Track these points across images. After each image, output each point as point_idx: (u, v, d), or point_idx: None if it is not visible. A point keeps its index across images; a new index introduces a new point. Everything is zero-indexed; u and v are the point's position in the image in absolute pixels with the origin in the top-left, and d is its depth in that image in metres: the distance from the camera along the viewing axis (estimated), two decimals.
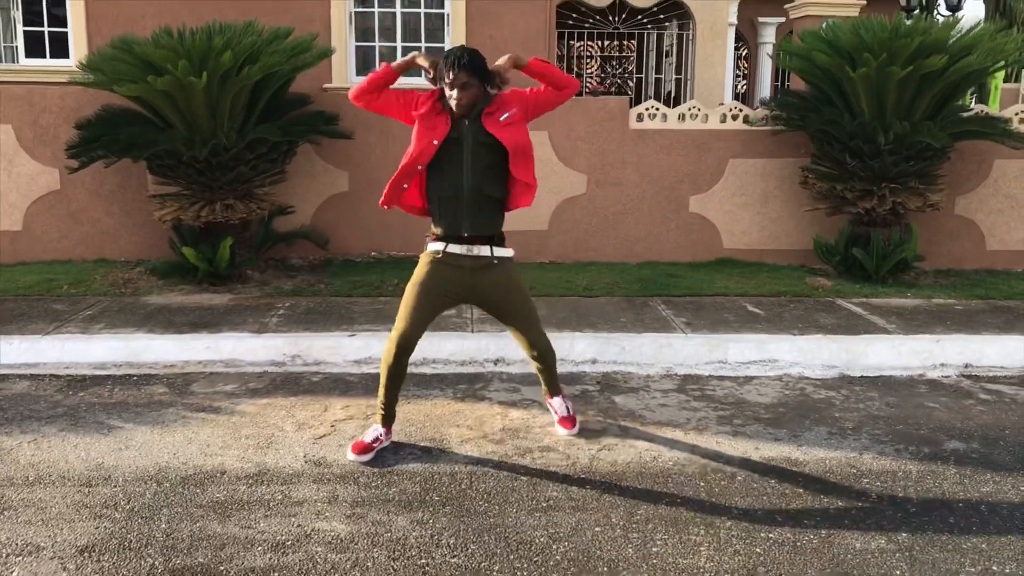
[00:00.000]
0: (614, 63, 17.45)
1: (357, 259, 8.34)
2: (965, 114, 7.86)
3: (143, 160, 7.27)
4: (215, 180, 7.12)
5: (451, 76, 4.06)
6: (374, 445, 4.46)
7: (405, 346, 4.32)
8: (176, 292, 7.23)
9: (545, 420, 4.99)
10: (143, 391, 5.43)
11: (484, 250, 4.33)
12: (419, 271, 4.37)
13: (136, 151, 6.90)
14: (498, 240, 4.41)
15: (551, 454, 4.56)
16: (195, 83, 6.52)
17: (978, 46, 7.14)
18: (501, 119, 4.16)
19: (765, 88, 15.45)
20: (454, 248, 4.30)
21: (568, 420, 4.81)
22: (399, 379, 4.44)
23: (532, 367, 4.80)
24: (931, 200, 7.72)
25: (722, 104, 9.56)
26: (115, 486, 4.13)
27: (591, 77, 18.38)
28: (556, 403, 4.88)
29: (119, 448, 4.55)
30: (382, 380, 4.42)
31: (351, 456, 4.40)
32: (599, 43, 17.28)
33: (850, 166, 7.63)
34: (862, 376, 5.90)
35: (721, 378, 5.84)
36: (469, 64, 4.08)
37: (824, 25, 7.84)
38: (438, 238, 4.35)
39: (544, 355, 4.66)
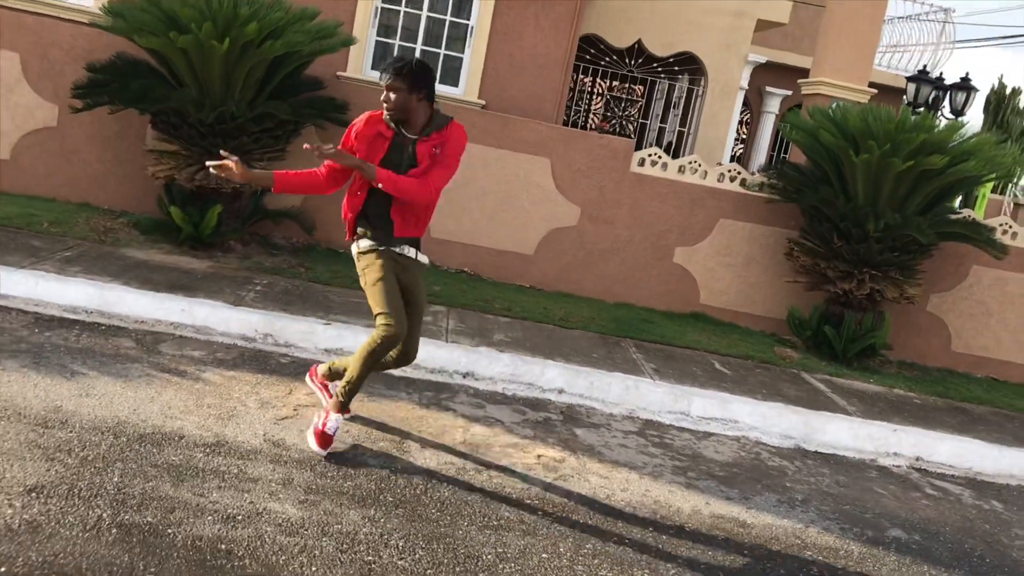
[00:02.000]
0: (621, 104, 17.64)
1: (340, 250, 8.33)
2: (953, 216, 8.05)
3: (148, 114, 7.23)
4: (216, 145, 7.08)
5: (383, 80, 4.19)
6: (334, 437, 4.45)
7: (401, 333, 4.30)
8: (156, 250, 7.17)
9: (506, 441, 5.02)
10: (111, 342, 5.38)
11: (410, 251, 4.46)
12: (373, 265, 4.37)
13: (145, 103, 6.86)
14: (419, 245, 4.55)
15: (508, 475, 4.58)
16: (216, 47, 6.51)
17: (977, 153, 7.33)
18: (435, 150, 4.30)
19: (762, 154, 15.71)
20: (391, 247, 4.42)
21: (324, 437, 4.40)
22: (376, 370, 4.51)
23: (382, 362, 4.57)
24: (908, 293, 7.88)
25: (721, 163, 9.72)
26: (71, 431, 4.10)
27: (595, 114, 18.56)
28: (332, 409, 4.49)
29: (79, 395, 4.51)
30: (362, 370, 4.37)
31: (316, 448, 4.36)
32: (608, 82, 17.44)
33: (836, 246, 7.78)
34: (817, 452, 6.00)
35: (681, 429, 5.91)
36: (400, 69, 4.16)
37: (834, 106, 8.02)
38: (369, 237, 4.42)
39: (407, 357, 4.60)
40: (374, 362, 4.35)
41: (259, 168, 7.42)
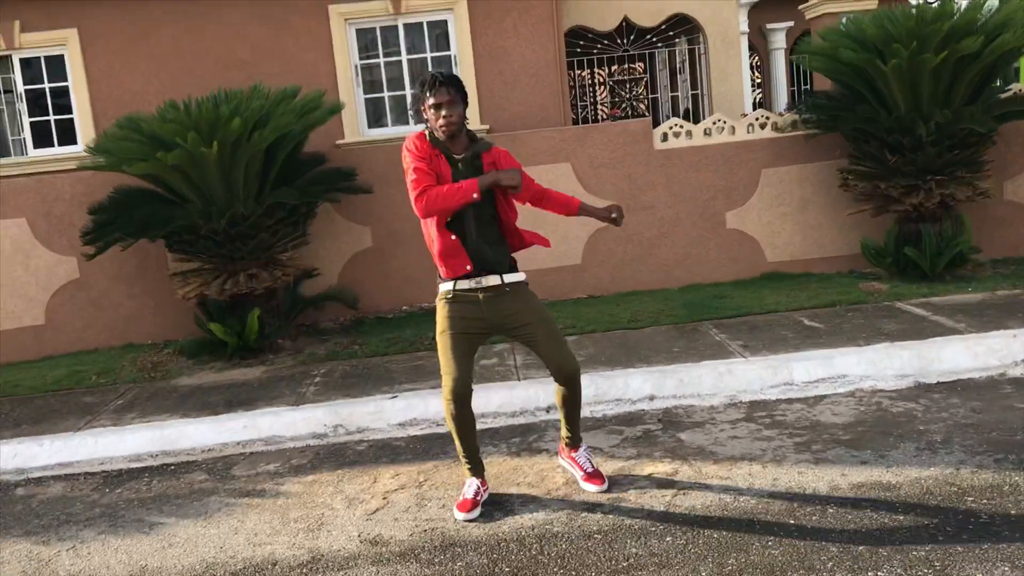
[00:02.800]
0: (626, 87, 17.22)
1: (389, 315, 8.07)
2: (1004, 95, 7.50)
3: (160, 239, 7.06)
4: (236, 251, 6.89)
5: (435, 96, 3.90)
6: (478, 499, 4.25)
7: (462, 394, 4.06)
8: (207, 370, 6.98)
9: (611, 468, 4.65)
10: (183, 480, 5.15)
11: (493, 279, 4.12)
12: (440, 318, 4.16)
13: (152, 230, 6.69)
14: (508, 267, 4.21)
15: (623, 506, 4.21)
16: (206, 154, 6.31)
17: (1010, 24, 6.80)
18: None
19: (781, 95, 15.15)
20: (463, 284, 4.10)
21: (596, 476, 4.40)
22: (470, 428, 4.22)
23: (556, 399, 4.36)
24: (980, 188, 7.34)
25: (745, 114, 9.26)
26: None
27: (603, 105, 18.16)
28: (580, 458, 4.47)
29: (163, 547, 4.26)
30: (454, 436, 4.23)
31: (459, 516, 4.17)
32: (605, 69, 17.05)
33: (891, 163, 7.28)
34: (939, 383, 5.51)
35: (790, 401, 5.47)
36: (452, 78, 3.94)
37: (844, 20, 7.54)
38: (446, 279, 4.14)
39: (573, 378, 4.22)
40: (454, 423, 4.13)
41: (286, 257, 7.22)
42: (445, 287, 4.14)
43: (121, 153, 6.42)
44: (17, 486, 5.31)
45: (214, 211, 6.67)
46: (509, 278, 4.15)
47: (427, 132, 4.03)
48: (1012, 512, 3.75)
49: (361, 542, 4.10)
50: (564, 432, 4.48)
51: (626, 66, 17.31)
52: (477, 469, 4.32)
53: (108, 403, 6.35)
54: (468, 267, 4.05)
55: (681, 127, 8.06)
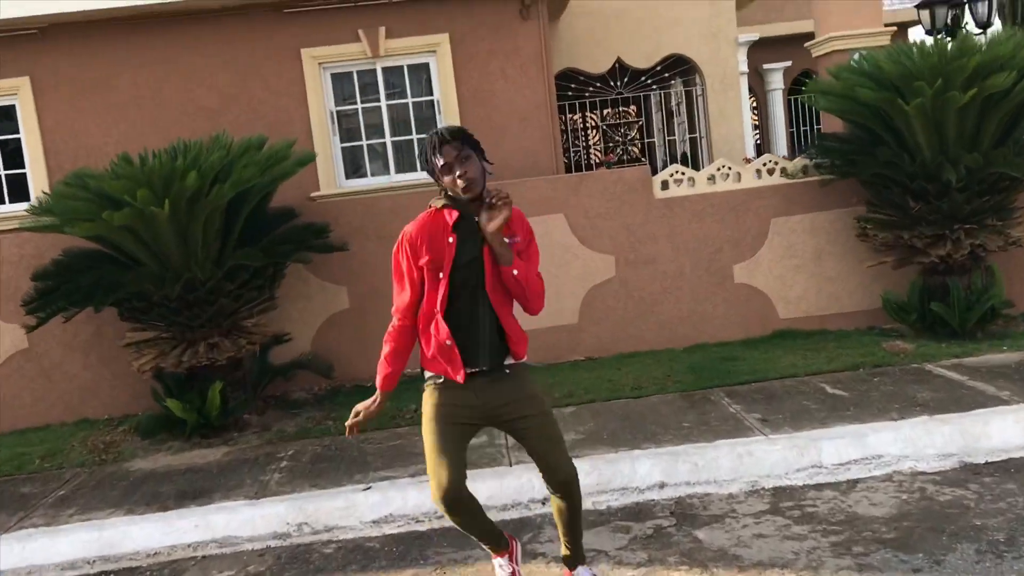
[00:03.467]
0: (619, 131, 16.68)
1: (367, 383, 7.35)
2: None
3: (110, 307, 6.37)
4: (194, 318, 6.21)
5: (443, 155, 3.23)
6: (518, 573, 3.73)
7: (455, 497, 3.37)
8: (164, 452, 6.26)
9: None
10: None
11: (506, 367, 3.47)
12: (428, 406, 3.49)
13: (99, 297, 5.99)
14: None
15: None
16: (158, 213, 5.66)
17: None
18: (509, 240, 3.38)
19: (780, 137, 14.64)
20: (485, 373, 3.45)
21: None
22: (475, 515, 3.53)
23: (552, 508, 3.68)
24: (1012, 237, 6.73)
25: (748, 158, 8.68)
26: None
27: (595, 149, 17.61)
28: None
29: None
30: (469, 531, 3.60)
31: None
32: (598, 113, 16.53)
33: (915, 210, 6.67)
34: (988, 463, 4.84)
35: (819, 487, 4.78)
36: (458, 132, 3.29)
37: (857, 57, 6.97)
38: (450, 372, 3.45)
39: (571, 486, 3.54)
40: (454, 519, 3.48)
41: (252, 323, 6.55)
42: (429, 375, 3.50)
43: (65, 213, 5.77)
44: None
45: (168, 276, 6.00)
46: (510, 360, 3.49)
47: (442, 197, 3.36)
48: None
49: None
50: (564, 549, 3.78)
51: (619, 109, 16.80)
52: (499, 545, 3.68)
53: (48, 494, 5.62)
54: (460, 377, 3.39)
55: (683, 174, 7.45)
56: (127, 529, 4.93)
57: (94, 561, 4.84)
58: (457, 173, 3.22)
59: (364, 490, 5.03)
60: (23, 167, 8.44)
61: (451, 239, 3.30)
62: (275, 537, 4.86)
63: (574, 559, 3.76)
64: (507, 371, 3.47)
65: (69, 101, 8.44)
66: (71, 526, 5.02)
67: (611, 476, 4.97)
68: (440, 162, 3.24)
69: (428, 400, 3.47)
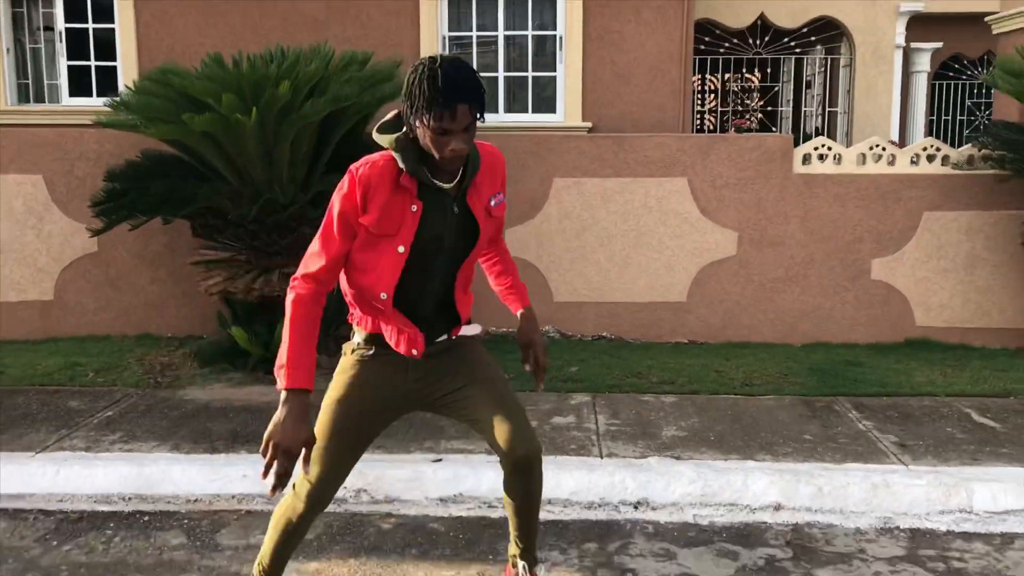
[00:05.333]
0: (739, 97, 15.61)
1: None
2: None
3: (173, 220, 5.85)
4: (272, 244, 5.67)
5: (451, 115, 2.43)
6: None
7: (322, 502, 2.85)
8: (223, 383, 5.78)
9: None
10: (153, 542, 3.91)
11: (471, 329, 2.91)
12: (342, 380, 2.80)
13: (169, 208, 5.45)
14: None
15: None
16: (243, 122, 5.08)
17: None
18: (492, 203, 2.77)
19: (919, 125, 13.45)
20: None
21: None
22: (297, 540, 2.95)
23: (504, 500, 3.01)
24: None
25: (892, 143, 7.72)
26: None
27: (711, 114, 16.58)
28: None
29: None
30: (274, 543, 2.92)
31: None
32: (720, 75, 15.48)
33: None
34: None
35: (967, 536, 4.00)
36: (481, 94, 2.51)
37: None
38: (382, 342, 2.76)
39: (532, 463, 2.81)
40: (291, 534, 2.92)
41: None
42: (363, 338, 2.77)
43: (143, 111, 5.23)
44: None
45: (246, 193, 5.44)
46: (465, 330, 2.85)
47: (396, 148, 2.55)
48: None
49: None
50: (513, 546, 3.11)
51: (741, 74, 15.70)
52: None
53: (95, 413, 5.18)
54: (416, 351, 2.69)
55: (829, 148, 6.58)
56: (168, 468, 4.43)
57: (130, 498, 4.36)
58: (452, 146, 2.45)
59: (434, 462, 4.43)
60: (114, 60, 7.99)
61: (415, 207, 2.57)
62: (332, 502, 4.30)
63: (525, 557, 3.10)
64: (455, 339, 2.82)
65: None
66: (111, 455, 4.55)
67: (718, 488, 4.26)
68: (442, 122, 2.42)
69: (347, 372, 2.78)
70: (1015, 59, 6.12)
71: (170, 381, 5.82)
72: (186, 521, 4.15)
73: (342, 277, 2.72)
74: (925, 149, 6.57)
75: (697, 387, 5.65)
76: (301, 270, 2.63)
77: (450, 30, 7.97)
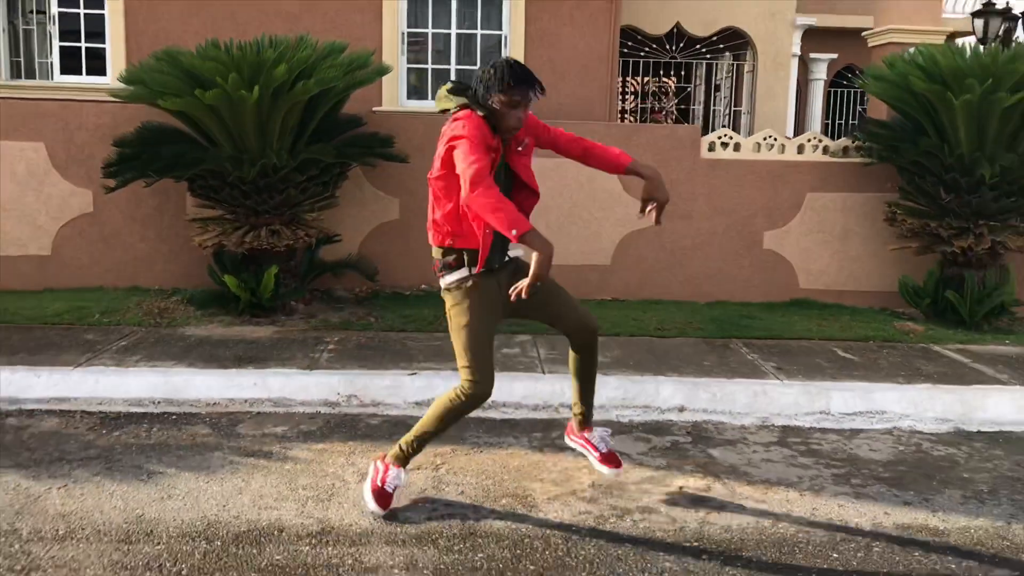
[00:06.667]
0: (659, 98, 16.94)
1: (406, 292, 7.80)
2: None
3: (184, 181, 6.77)
4: (261, 203, 6.61)
5: (520, 94, 3.56)
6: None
7: (485, 398, 3.81)
8: (216, 323, 6.70)
9: (639, 476, 4.40)
10: (185, 431, 4.87)
11: (516, 250, 3.89)
12: (461, 308, 3.73)
13: (179, 170, 6.39)
14: None
15: (653, 516, 3.95)
16: (245, 98, 6.04)
17: None
18: (519, 148, 3.79)
19: (815, 124, 14.95)
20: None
21: (612, 459, 4.16)
22: (444, 430, 3.98)
23: (571, 369, 4.08)
24: None
25: (788, 138, 9.02)
26: (159, 543, 3.56)
27: (631, 115, 17.91)
28: (595, 438, 4.20)
29: (161, 497, 3.99)
30: (437, 427, 3.90)
31: (373, 507, 3.86)
32: (640, 77, 16.78)
33: (944, 201, 7.05)
34: (980, 431, 5.27)
35: (824, 431, 5.22)
36: (534, 78, 3.64)
37: (913, 51, 7.31)
38: (458, 265, 3.73)
39: (594, 338, 3.98)
40: (453, 419, 3.88)
41: (311, 218, 6.95)
42: (463, 274, 3.71)
43: (156, 86, 6.13)
44: (8, 416, 5.02)
45: (245, 158, 6.39)
46: (512, 252, 3.89)
47: (483, 116, 3.57)
48: None
49: (374, 519, 3.84)
50: (577, 409, 4.21)
51: (658, 78, 17.03)
52: (409, 460, 4.00)
53: (111, 343, 6.07)
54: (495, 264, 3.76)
55: (731, 138, 7.82)
56: (190, 378, 5.38)
57: (159, 402, 5.30)
58: (519, 115, 3.57)
59: (410, 375, 5.48)
60: (103, 42, 8.77)
61: (495, 144, 3.57)
62: (325, 404, 5.32)
63: (587, 419, 4.20)
64: (509, 259, 3.88)
65: None
66: (138, 369, 5.47)
67: (636, 394, 5.42)
68: (515, 97, 3.52)
69: (463, 302, 3.70)
70: (880, 67, 7.46)
71: (168, 322, 6.71)
72: (208, 419, 5.10)
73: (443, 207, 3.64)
74: (809, 140, 7.86)
75: (619, 330, 6.80)
76: (471, 179, 3.32)
77: (408, 26, 8.98)
